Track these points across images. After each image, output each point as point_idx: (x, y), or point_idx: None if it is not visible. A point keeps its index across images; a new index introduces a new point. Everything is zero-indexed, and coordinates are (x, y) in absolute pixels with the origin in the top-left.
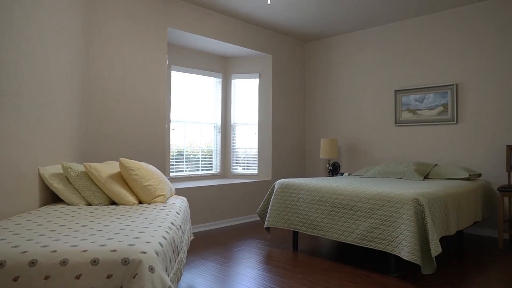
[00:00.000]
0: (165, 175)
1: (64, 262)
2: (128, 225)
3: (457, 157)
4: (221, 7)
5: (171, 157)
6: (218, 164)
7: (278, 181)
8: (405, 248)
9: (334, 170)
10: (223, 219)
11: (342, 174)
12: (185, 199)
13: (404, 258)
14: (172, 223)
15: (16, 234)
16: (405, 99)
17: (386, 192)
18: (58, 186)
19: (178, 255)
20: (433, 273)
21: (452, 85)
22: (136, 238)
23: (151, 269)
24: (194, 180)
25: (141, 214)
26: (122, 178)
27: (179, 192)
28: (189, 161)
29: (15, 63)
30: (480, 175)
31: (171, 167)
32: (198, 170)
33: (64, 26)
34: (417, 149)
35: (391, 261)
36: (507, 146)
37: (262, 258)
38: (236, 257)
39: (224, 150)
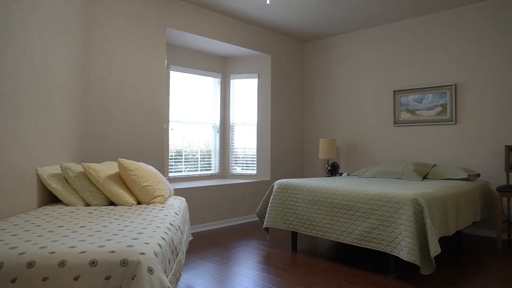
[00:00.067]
0: (163, 175)
1: (62, 264)
2: (126, 226)
3: (456, 158)
4: (220, 7)
5: (169, 157)
6: (217, 164)
7: (277, 182)
8: (404, 248)
9: (333, 170)
10: (222, 220)
11: (341, 174)
12: (184, 199)
13: (403, 259)
14: (171, 224)
15: (14, 235)
16: (404, 99)
17: (385, 193)
18: (56, 187)
19: (177, 256)
20: (432, 274)
21: (451, 85)
22: (135, 239)
23: (150, 270)
24: (193, 181)
25: (139, 214)
26: (120, 179)
27: (178, 192)
28: (188, 161)
29: (14, 63)
30: (479, 175)
31: (169, 167)
32: (197, 170)
33: (62, 26)
34: (416, 149)
35: (390, 262)
36: (506, 146)
37: (261, 258)
38: (235, 257)
39: (223, 150)
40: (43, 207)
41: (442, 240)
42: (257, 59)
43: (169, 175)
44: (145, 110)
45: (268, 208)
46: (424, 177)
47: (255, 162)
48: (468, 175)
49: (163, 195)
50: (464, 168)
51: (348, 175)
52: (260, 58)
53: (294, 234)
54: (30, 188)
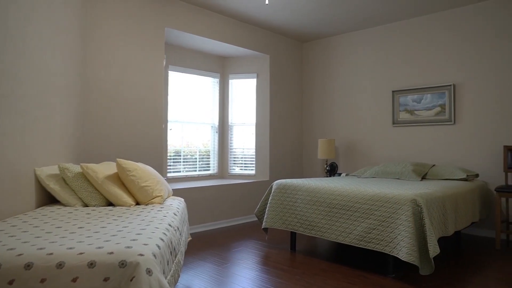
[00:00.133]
0: (162, 175)
1: (60, 265)
2: (125, 227)
3: (455, 158)
4: (219, 7)
5: (168, 157)
6: (216, 164)
7: (275, 182)
8: (403, 249)
9: (332, 170)
10: (221, 220)
11: (339, 174)
12: (183, 200)
13: (402, 259)
14: (170, 225)
15: (12, 236)
16: (402, 99)
17: (384, 193)
18: (54, 187)
19: (175, 257)
20: (431, 274)
21: (450, 85)
22: (134, 240)
23: (149, 271)
24: (192, 181)
25: (138, 215)
26: (119, 179)
27: (176, 192)
28: (187, 162)
29: (12, 64)
30: (477, 175)
31: (168, 167)
32: (195, 170)
33: (61, 26)
34: (415, 150)
35: (389, 262)
36: (505, 146)
37: (260, 259)
38: (234, 258)
39: (222, 150)
40: (41, 207)
41: (441, 241)
42: (256, 59)
43: (167, 176)
44: (144, 110)
45: (266, 209)
46: (423, 177)
47: (254, 162)
48: (467, 175)
49: (161, 195)
50: (462, 168)
51: (347, 175)
52: (259, 58)
53: (293, 235)
54: (28, 189)
